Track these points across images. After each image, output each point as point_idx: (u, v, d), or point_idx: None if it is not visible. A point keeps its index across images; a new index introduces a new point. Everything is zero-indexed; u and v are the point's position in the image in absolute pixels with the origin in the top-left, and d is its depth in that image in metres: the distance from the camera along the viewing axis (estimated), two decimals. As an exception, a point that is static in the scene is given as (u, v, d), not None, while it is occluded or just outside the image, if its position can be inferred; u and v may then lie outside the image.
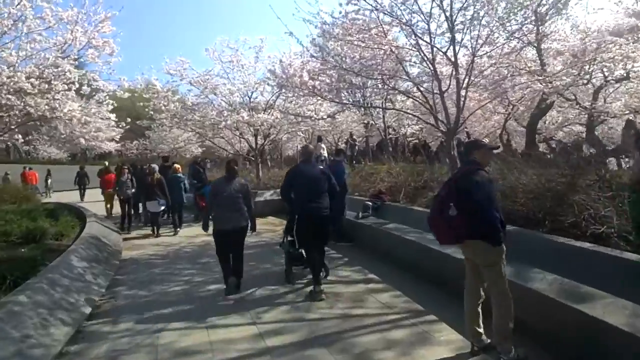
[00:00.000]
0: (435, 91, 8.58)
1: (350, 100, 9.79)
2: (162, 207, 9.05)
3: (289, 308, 4.33)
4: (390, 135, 22.19)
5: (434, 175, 8.88)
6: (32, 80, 6.78)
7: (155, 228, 8.97)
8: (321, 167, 5.53)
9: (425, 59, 7.52)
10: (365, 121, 22.06)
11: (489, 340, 3.16)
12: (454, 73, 7.44)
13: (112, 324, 4.09)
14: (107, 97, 8.41)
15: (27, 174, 18.94)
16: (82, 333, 3.89)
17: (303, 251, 5.09)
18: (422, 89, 8.38)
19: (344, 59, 7.86)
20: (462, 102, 7.63)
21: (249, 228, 5.01)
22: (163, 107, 11.82)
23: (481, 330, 3.19)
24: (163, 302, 4.62)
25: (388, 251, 6.10)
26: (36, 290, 4.07)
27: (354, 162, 18.27)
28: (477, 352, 3.16)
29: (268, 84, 10.33)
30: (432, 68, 7.47)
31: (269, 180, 13.78)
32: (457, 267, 3.83)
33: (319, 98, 8.31)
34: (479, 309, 3.21)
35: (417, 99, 8.60)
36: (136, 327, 3.98)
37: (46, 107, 7.43)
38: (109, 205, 12.12)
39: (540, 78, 8.24)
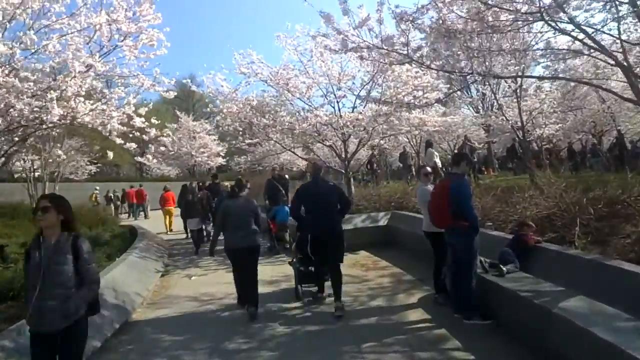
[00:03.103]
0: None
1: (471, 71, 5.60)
2: (202, 226, 9.27)
3: None
4: (520, 139, 17.23)
5: (629, 190, 5.01)
6: (26, 74, 4.99)
7: (196, 247, 8.83)
8: (330, 183, 5.04)
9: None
10: (487, 123, 17.66)
11: None
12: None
13: None
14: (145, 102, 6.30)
15: (130, 192, 18.87)
16: None
17: (313, 269, 4.98)
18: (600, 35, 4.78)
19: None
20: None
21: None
22: (226, 111, 9.73)
23: None
24: None
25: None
26: None
27: (478, 173, 14.43)
28: None
29: (326, 48, 6.85)
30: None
31: (361, 199, 10.57)
32: None
33: (419, 70, 4.98)
34: None
35: (606, 52, 4.80)
36: None
37: (60, 111, 5.59)
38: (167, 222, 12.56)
39: None
